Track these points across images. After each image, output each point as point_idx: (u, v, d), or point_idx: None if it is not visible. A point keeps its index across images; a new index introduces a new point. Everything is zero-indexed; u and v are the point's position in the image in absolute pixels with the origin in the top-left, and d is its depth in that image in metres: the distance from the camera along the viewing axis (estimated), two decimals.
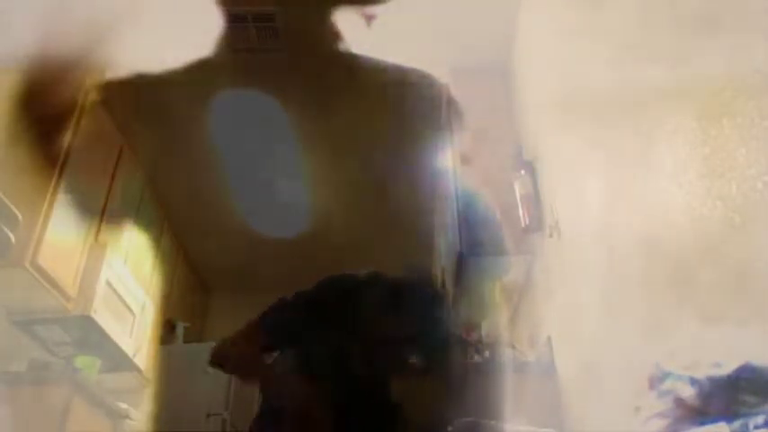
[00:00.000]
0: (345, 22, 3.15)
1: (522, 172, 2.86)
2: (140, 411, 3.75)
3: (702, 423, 0.99)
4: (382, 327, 1.76)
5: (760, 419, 0.93)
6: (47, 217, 3.02)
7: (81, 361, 3.47)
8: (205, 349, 4.85)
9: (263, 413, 1.76)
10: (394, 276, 1.92)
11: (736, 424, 0.95)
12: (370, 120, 3.90)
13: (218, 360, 1.83)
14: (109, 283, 3.47)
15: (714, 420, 0.98)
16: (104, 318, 3.40)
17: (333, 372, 1.67)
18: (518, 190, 2.85)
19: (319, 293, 1.83)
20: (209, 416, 4.13)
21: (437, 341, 1.88)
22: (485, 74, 3.33)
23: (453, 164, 3.28)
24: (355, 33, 3.18)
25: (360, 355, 1.71)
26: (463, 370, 1.96)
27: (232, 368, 1.85)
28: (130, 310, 3.77)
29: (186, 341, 4.69)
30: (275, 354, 1.80)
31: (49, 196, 3.07)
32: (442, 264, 3.87)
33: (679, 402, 1.04)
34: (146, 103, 3.68)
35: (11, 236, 2.66)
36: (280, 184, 4.33)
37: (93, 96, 3.52)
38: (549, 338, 2.68)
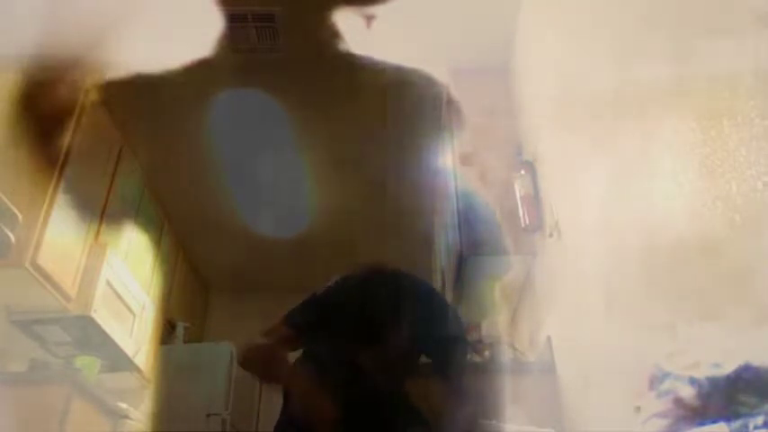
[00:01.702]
0: (345, 22, 3.15)
1: (522, 172, 2.86)
2: (140, 411, 3.75)
3: (702, 423, 0.99)
4: (397, 327, 1.76)
5: (760, 420, 0.93)
6: (47, 217, 3.02)
7: (81, 361, 3.47)
8: (205, 349, 4.89)
9: (283, 420, 1.75)
10: (410, 277, 1.92)
11: (736, 424, 0.94)
12: (371, 120, 3.90)
13: (247, 362, 1.82)
14: (109, 283, 3.47)
15: (714, 421, 0.98)
16: (104, 318, 3.40)
17: (348, 374, 1.67)
18: (518, 190, 2.85)
19: (341, 292, 1.83)
20: (209, 416, 4.14)
21: (449, 341, 1.88)
22: (485, 74, 3.33)
23: (453, 164, 3.28)
24: (355, 33, 3.18)
25: (375, 356, 1.72)
26: (470, 371, 1.96)
27: (260, 370, 1.83)
28: (130, 310, 3.77)
29: (186, 341, 4.69)
30: (299, 353, 1.79)
31: (49, 196, 3.07)
32: (442, 264, 3.87)
33: (679, 403, 1.04)
34: (146, 103, 3.69)
35: (11, 236, 2.66)
36: (280, 184, 4.34)
37: (93, 96, 3.52)
38: (548, 338, 2.68)
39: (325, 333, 1.74)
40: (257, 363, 1.77)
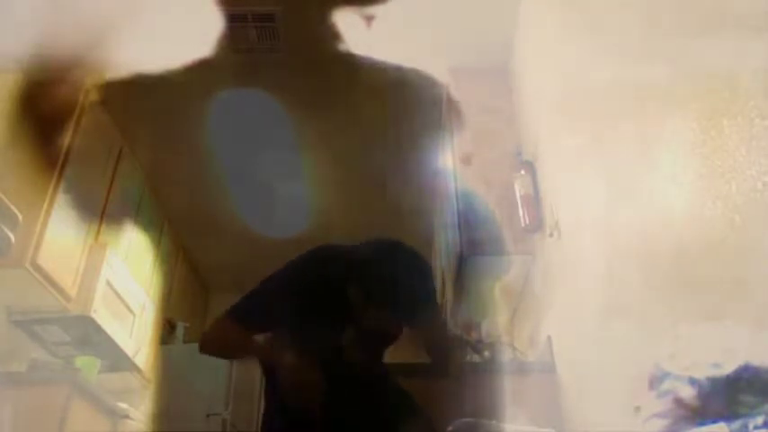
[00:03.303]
0: (345, 22, 3.15)
1: (522, 172, 2.86)
2: (140, 411, 3.75)
3: (702, 423, 0.99)
4: (367, 302, 1.69)
5: (759, 420, 0.93)
6: (47, 217, 3.03)
7: (81, 361, 3.47)
8: None
9: (268, 411, 1.73)
10: (376, 245, 1.86)
11: (736, 424, 0.94)
12: (370, 120, 3.90)
13: (207, 348, 1.79)
14: (109, 283, 3.47)
15: (714, 421, 0.98)
16: (104, 318, 3.40)
17: (322, 355, 1.61)
18: (518, 190, 2.85)
19: (298, 272, 1.80)
20: (209, 416, 4.13)
21: (427, 313, 1.82)
22: (485, 74, 3.33)
23: (453, 164, 3.28)
24: (355, 33, 3.18)
25: (345, 337, 1.67)
26: (463, 368, 1.94)
27: (221, 353, 1.81)
28: (130, 310, 3.77)
29: (186, 341, 4.69)
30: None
31: (49, 196, 3.07)
32: (442, 264, 3.87)
33: (678, 403, 1.04)
34: (146, 103, 3.69)
35: (11, 236, 2.67)
36: (279, 184, 4.33)
37: (93, 96, 3.52)
38: (549, 338, 2.68)
39: (287, 319, 1.67)
40: (220, 340, 1.73)
